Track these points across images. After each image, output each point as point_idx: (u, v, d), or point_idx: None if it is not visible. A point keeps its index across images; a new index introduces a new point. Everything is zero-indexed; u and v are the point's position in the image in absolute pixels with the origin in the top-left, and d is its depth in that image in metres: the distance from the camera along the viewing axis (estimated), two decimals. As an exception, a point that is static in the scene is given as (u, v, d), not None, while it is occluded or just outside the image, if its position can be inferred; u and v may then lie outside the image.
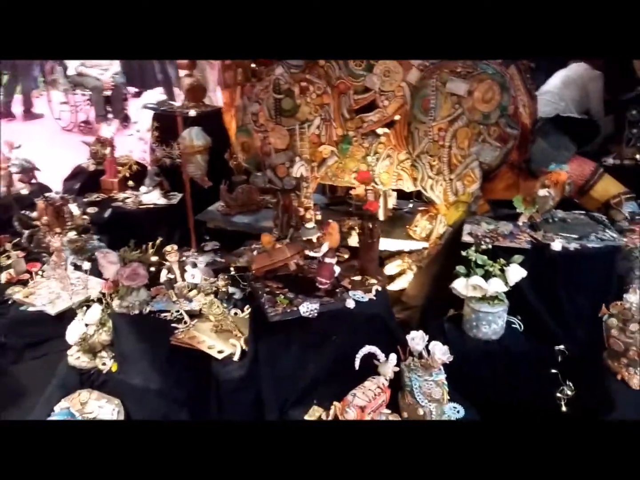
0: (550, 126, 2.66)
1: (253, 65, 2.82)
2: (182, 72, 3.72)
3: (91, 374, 2.10)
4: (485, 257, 1.97)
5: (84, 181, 3.52)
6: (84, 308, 2.19)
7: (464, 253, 1.99)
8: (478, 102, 2.42)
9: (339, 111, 2.69)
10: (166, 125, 3.44)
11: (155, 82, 7.76)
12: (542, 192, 2.18)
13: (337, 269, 2.10)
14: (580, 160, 2.69)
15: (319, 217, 2.86)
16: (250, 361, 1.97)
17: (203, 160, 2.80)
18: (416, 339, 1.77)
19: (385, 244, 2.85)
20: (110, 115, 6.28)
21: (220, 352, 2.01)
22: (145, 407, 2.03)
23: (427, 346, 1.78)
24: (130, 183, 3.43)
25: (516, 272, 1.96)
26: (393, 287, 2.67)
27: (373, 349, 1.78)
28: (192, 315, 2.20)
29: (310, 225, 2.68)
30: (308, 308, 1.90)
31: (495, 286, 1.94)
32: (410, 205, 3.35)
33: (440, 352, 1.72)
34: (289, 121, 2.68)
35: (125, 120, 6.46)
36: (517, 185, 2.70)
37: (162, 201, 3.17)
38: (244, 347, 2.04)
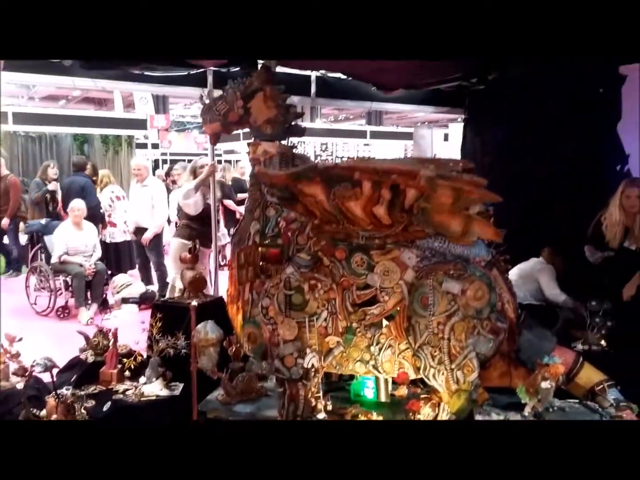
0: (532, 320, 3.01)
1: (262, 263, 3.13)
2: (184, 266, 4.00)
3: None
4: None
5: (81, 373, 3.48)
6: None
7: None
8: (471, 299, 2.73)
9: (343, 305, 2.95)
10: (169, 316, 3.59)
11: (131, 266, 8.04)
12: (545, 385, 2.39)
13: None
14: (563, 350, 2.98)
15: (329, 408, 2.93)
16: None
17: (215, 353, 2.92)
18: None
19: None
20: (89, 301, 6.35)
21: None
22: None
23: None
24: (127, 374, 3.43)
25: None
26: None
27: None
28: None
29: (321, 415, 2.76)
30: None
31: None
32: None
33: None
34: (298, 314, 2.91)
35: (103, 304, 6.53)
36: (509, 373, 2.92)
37: (165, 392, 3.16)
38: None
